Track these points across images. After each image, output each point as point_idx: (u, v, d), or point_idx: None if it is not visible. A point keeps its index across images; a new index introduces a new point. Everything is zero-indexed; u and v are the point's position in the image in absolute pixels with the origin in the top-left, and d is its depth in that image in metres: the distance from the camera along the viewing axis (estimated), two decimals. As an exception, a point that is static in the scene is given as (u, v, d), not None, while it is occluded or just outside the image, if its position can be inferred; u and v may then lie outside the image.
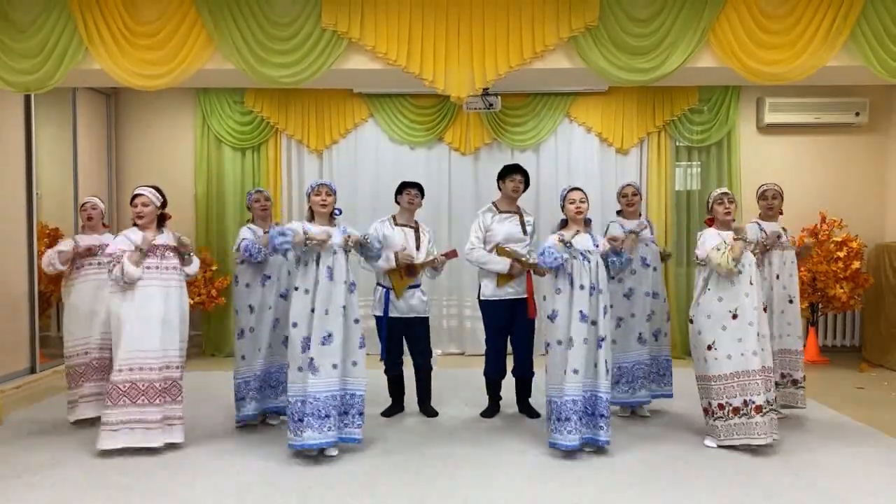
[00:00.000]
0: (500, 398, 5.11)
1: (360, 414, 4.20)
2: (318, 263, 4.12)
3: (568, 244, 4.21)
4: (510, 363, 4.99)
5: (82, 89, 6.97)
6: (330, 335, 4.08)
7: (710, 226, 4.46)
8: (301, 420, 4.04)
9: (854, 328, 7.52)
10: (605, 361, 4.18)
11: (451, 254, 5.04)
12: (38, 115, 6.45)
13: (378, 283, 5.01)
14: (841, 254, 6.82)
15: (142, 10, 4.76)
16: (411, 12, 4.75)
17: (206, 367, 6.79)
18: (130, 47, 4.73)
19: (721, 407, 4.25)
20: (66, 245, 4.84)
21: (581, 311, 4.14)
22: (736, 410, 4.21)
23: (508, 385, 5.06)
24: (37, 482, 3.82)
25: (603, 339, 4.18)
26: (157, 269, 4.25)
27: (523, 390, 5.06)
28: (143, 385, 4.17)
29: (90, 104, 7.24)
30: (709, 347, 4.28)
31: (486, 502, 3.55)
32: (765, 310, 4.39)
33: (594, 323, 4.18)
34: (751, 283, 4.25)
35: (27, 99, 6.29)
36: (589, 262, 4.21)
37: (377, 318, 5.00)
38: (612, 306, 4.81)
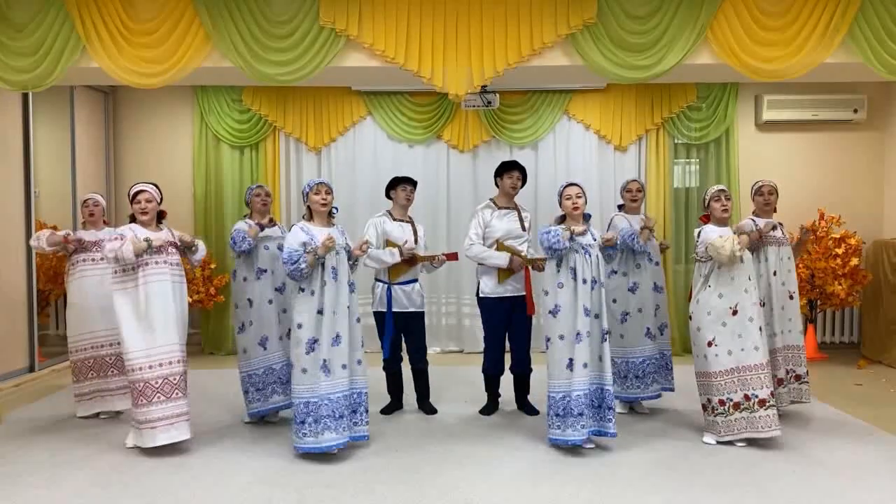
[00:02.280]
0: (499, 395, 5.12)
1: (367, 411, 4.27)
2: (323, 265, 4.12)
3: (573, 236, 4.19)
4: (508, 360, 4.99)
5: (80, 87, 6.95)
6: (338, 336, 4.12)
7: (705, 223, 4.47)
8: (308, 422, 4.03)
9: (852, 325, 7.52)
10: (608, 355, 4.24)
11: (452, 256, 5.07)
12: (36, 113, 6.44)
13: (377, 279, 5.02)
14: (839, 250, 6.82)
15: (139, 8, 4.75)
16: (409, 9, 4.75)
17: (206, 366, 6.79)
18: (128, 45, 4.73)
19: (722, 403, 4.26)
20: (60, 233, 4.94)
21: (584, 306, 4.16)
22: (737, 406, 4.22)
23: (507, 382, 5.07)
24: (36, 481, 3.82)
25: (607, 333, 4.24)
26: (166, 265, 4.24)
27: (522, 387, 5.06)
28: (156, 382, 4.13)
29: (88, 102, 7.23)
30: (709, 344, 4.28)
31: (485, 500, 3.56)
32: (762, 305, 4.44)
33: (597, 316, 4.21)
34: (749, 279, 4.28)
35: (25, 97, 6.28)
36: (590, 255, 4.23)
37: (376, 314, 5.01)
38: (615, 301, 4.88)
